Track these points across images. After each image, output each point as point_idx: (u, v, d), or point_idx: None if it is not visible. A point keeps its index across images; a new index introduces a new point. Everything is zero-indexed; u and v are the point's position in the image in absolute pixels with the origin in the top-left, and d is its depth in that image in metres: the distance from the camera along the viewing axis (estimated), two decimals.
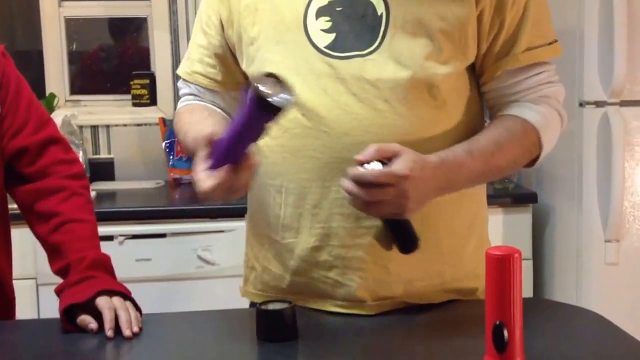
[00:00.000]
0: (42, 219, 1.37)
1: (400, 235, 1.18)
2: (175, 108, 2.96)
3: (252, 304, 1.38)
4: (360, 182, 1.08)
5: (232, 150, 1.10)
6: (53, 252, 1.35)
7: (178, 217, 2.42)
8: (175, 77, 2.98)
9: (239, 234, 2.35)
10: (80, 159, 2.19)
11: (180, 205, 2.63)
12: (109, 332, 1.20)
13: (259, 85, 1.05)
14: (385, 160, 1.10)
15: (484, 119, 1.33)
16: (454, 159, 1.17)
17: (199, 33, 1.36)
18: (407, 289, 1.27)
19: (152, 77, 3.01)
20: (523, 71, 1.25)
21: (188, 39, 2.91)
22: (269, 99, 1.04)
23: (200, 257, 2.36)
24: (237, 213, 2.38)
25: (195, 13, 2.85)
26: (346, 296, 1.26)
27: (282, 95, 1.06)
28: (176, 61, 2.97)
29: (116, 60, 3.18)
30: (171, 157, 2.89)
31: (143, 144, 2.97)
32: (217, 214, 2.41)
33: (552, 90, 1.28)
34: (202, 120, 1.28)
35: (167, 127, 2.90)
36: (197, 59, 1.36)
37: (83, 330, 1.22)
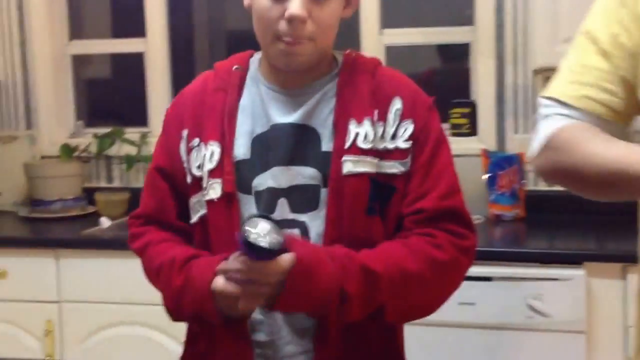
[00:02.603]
0: None
1: None
2: (499, 139, 2.95)
3: None
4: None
5: None
6: None
7: (504, 259, 2.36)
8: (500, 106, 2.95)
9: (576, 283, 2.24)
10: None
11: (504, 246, 2.57)
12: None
13: (247, 227, 1.21)
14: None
15: None
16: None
17: (592, 54, 1.24)
18: None
19: (472, 106, 3.00)
20: None
21: (514, 66, 2.91)
22: (260, 244, 1.19)
23: (530, 307, 2.27)
24: (573, 260, 2.27)
25: (525, 40, 2.84)
26: None
27: (271, 237, 1.21)
28: (501, 89, 2.94)
29: (435, 87, 3.23)
30: (492, 191, 2.85)
31: (461, 176, 2.95)
32: (550, 259, 2.30)
33: None
34: None
35: (490, 159, 2.86)
36: (590, 82, 1.24)
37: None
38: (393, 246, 1.36)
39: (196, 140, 1.43)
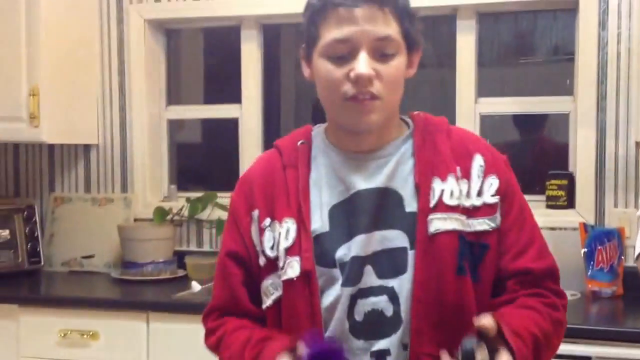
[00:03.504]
0: None
1: None
2: (598, 213, 2.91)
3: None
4: None
5: None
6: None
7: (604, 338, 2.31)
8: (599, 178, 2.92)
9: None
10: None
11: (604, 324, 2.51)
12: None
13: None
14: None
15: None
16: None
17: None
18: None
19: (570, 178, 2.98)
20: None
21: (616, 138, 2.88)
22: None
23: None
24: None
25: (628, 111, 2.82)
26: None
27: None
28: (600, 161, 2.91)
29: (531, 157, 3.23)
30: (590, 266, 2.80)
31: (558, 250, 2.91)
32: None
33: None
34: None
35: (588, 233, 2.83)
36: None
37: None
38: (523, 310, 1.36)
39: (268, 220, 1.42)
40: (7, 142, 3.49)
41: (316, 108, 3.88)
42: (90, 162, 3.52)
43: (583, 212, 2.94)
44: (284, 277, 1.37)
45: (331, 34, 1.33)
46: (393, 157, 1.41)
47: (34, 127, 3.11)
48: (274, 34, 3.51)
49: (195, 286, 2.93)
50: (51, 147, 3.53)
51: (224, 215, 3.27)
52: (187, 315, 2.71)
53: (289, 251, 1.37)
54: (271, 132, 3.46)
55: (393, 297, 1.36)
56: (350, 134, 1.40)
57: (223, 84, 3.62)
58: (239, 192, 1.49)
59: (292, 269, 1.36)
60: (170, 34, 3.61)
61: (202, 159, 3.83)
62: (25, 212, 3.34)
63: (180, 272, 3.22)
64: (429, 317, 1.33)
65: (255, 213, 1.43)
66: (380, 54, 1.32)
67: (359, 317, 1.37)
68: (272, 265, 1.40)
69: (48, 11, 3.15)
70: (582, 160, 2.94)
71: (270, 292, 1.40)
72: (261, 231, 1.42)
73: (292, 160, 1.44)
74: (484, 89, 3.13)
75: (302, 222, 1.37)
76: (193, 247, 3.39)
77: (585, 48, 2.92)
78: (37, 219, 3.39)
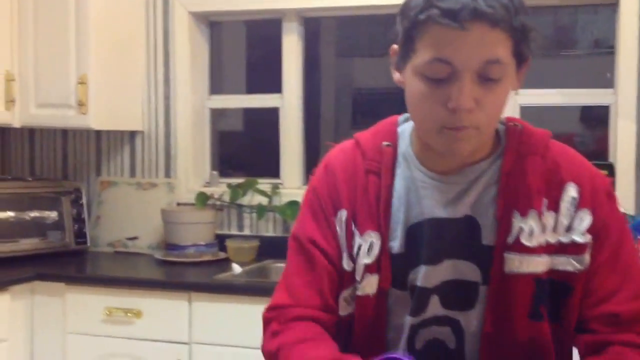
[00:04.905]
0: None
1: None
2: (638, 203, 2.83)
3: None
4: None
5: None
6: None
7: None
8: (639, 170, 2.84)
9: None
10: None
11: None
12: None
13: None
14: None
15: None
16: None
17: None
18: None
19: (610, 168, 2.90)
20: None
21: None
22: None
23: None
24: None
25: None
26: None
27: None
28: None
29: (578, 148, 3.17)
30: None
31: None
32: None
33: None
34: None
35: (628, 223, 2.74)
36: None
37: None
38: None
39: (353, 225, 1.29)
40: (56, 128, 3.49)
41: (356, 101, 3.85)
42: (135, 148, 3.50)
43: (623, 202, 2.80)
44: (360, 293, 1.27)
45: (430, 52, 1.13)
46: (477, 184, 1.24)
47: (82, 114, 3.12)
48: (315, 25, 3.47)
49: (236, 268, 2.90)
50: (98, 133, 3.52)
51: (264, 200, 3.24)
52: (228, 296, 2.69)
53: (368, 267, 1.26)
54: (311, 121, 3.42)
55: (458, 331, 1.26)
56: (437, 154, 1.23)
57: (264, 74, 3.59)
58: (324, 182, 1.32)
59: (371, 286, 1.26)
60: (214, 25, 3.58)
61: (244, 147, 3.80)
62: (73, 195, 3.33)
63: (222, 255, 3.18)
64: (498, 358, 1.22)
65: (343, 214, 1.29)
66: (485, 78, 1.13)
67: (419, 344, 1.27)
68: (354, 274, 1.28)
69: (96, 4, 3.15)
70: (622, 151, 2.88)
71: (349, 301, 1.29)
72: (350, 235, 1.29)
73: (374, 166, 1.29)
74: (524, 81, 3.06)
75: (385, 239, 1.26)
76: (234, 231, 3.35)
77: (626, 42, 2.87)
78: (84, 202, 3.38)
